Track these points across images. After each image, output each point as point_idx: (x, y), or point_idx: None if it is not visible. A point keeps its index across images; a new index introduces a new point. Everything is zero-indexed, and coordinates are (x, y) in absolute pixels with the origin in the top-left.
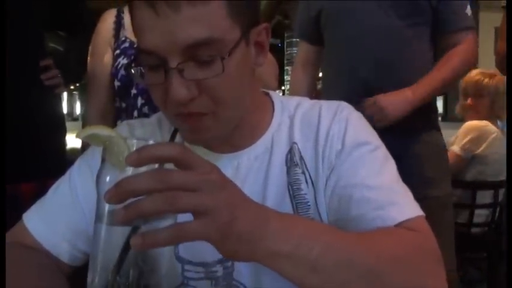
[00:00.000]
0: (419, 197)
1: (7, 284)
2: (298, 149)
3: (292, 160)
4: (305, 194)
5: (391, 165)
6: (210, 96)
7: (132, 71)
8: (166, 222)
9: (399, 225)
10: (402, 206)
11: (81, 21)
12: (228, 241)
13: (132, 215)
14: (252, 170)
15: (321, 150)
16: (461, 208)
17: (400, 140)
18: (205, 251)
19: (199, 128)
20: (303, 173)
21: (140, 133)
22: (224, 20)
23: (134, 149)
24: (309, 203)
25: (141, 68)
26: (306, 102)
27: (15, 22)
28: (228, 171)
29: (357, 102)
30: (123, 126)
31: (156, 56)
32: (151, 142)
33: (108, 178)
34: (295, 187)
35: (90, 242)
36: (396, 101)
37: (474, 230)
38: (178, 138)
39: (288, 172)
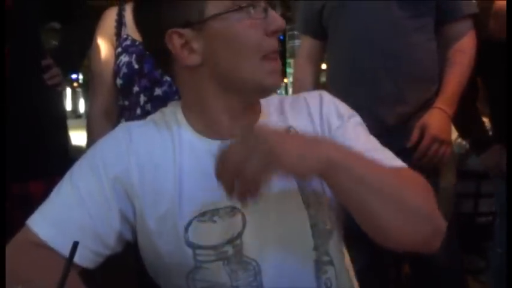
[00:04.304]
0: None
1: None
2: (296, 132)
3: None
4: None
5: None
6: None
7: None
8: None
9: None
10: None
11: (74, 9)
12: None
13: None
14: None
15: (319, 128)
16: (466, 198)
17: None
18: (213, 234)
19: (280, 70)
20: None
21: (138, 134)
22: None
23: None
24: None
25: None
26: (288, 96)
27: (13, 19)
28: None
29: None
30: (122, 130)
31: None
32: None
33: None
34: None
35: (99, 240)
36: (443, 125)
37: (479, 219)
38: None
39: None
